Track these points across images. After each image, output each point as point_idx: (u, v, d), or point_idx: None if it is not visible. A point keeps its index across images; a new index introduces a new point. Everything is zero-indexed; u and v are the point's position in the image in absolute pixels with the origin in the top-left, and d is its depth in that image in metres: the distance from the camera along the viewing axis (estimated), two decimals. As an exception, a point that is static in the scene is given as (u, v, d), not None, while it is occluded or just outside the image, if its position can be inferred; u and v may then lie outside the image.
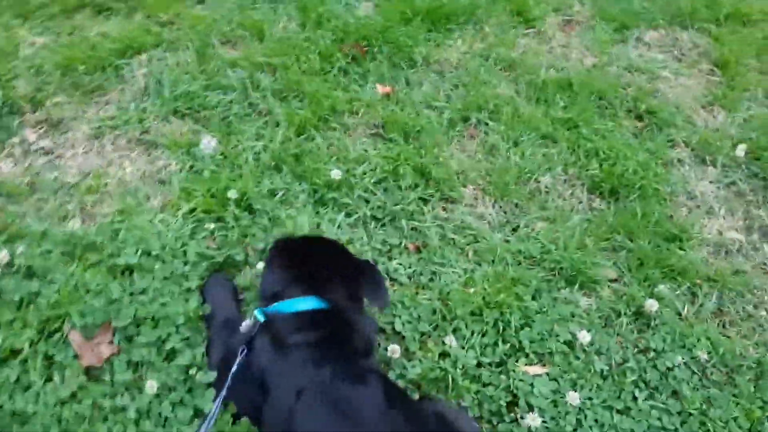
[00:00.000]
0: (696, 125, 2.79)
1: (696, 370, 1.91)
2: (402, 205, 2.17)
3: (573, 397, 1.70)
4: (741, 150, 2.69)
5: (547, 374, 1.79)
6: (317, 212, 2.12)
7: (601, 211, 2.33)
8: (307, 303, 1.54)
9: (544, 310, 1.95)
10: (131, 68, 2.50)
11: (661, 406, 1.80)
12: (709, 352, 1.94)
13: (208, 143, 2.28)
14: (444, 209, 2.24)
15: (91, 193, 2.05)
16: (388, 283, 1.93)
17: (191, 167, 2.18)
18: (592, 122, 2.62)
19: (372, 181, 2.22)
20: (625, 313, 2.00)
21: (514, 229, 2.22)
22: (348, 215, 2.13)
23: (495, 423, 1.72)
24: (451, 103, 2.60)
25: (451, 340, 1.82)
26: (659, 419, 1.77)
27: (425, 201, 2.23)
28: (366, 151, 2.34)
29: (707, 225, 2.39)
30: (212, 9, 2.86)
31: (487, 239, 2.14)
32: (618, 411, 1.77)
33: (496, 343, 1.85)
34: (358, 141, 2.39)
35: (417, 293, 1.97)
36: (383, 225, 2.13)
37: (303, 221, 2.04)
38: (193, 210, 2.01)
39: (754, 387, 1.88)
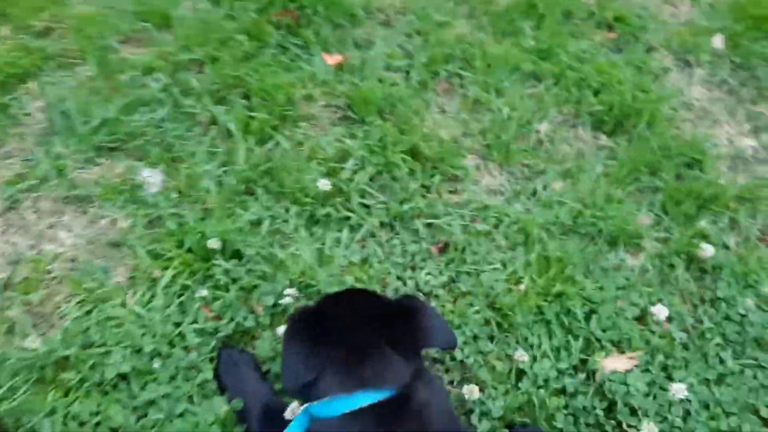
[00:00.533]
0: (667, 23, 2.60)
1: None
2: (407, 202, 1.87)
3: (678, 389, 1.53)
4: (718, 41, 2.54)
5: (636, 366, 1.61)
6: (311, 234, 1.79)
7: (612, 150, 2.12)
8: (361, 399, 1.16)
9: (600, 286, 1.75)
10: (22, 104, 1.98)
11: (751, 362, 1.67)
12: (772, 285, 1.83)
13: (153, 178, 1.86)
14: (452, 192, 1.95)
15: (33, 287, 1.62)
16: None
17: (146, 218, 1.77)
18: (567, 46, 2.37)
19: (365, 180, 1.89)
20: (678, 265, 1.84)
21: (533, 194, 1.98)
22: (352, 229, 1.81)
23: None
24: (414, 59, 2.26)
25: (521, 355, 1.59)
26: (755, 377, 1.65)
27: (428, 188, 1.94)
28: (343, 142, 1.99)
29: (716, 136, 2.24)
30: (95, 1, 2.32)
31: (510, 216, 1.88)
32: (714, 382, 1.63)
33: (568, 343, 1.64)
34: (330, 132, 2.03)
35: (455, 302, 1.71)
36: (395, 231, 1.83)
37: (306, 255, 1.71)
38: (173, 277, 1.63)
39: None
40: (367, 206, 1.85)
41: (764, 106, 2.36)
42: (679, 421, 1.53)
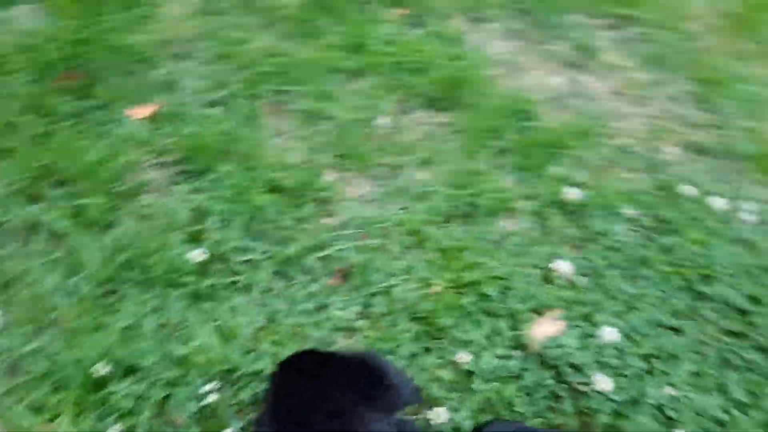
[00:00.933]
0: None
1: (637, 228, 1.94)
2: (290, 242, 1.72)
3: (610, 333, 1.60)
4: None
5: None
6: (203, 314, 1.58)
7: (453, 125, 2.14)
8: None
9: (501, 261, 1.77)
10: None
11: (644, 282, 1.80)
12: (629, 204, 1.98)
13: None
14: (327, 216, 1.84)
15: None
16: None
17: (1, 367, 1.43)
18: (372, 34, 2.32)
19: (236, 235, 1.71)
20: (553, 216, 1.92)
21: (403, 191, 1.92)
22: (244, 292, 1.63)
23: (555, 406, 1.55)
24: (229, 87, 2.07)
25: (461, 357, 1.56)
26: (651, 295, 1.78)
27: (303, 221, 1.80)
28: (193, 201, 1.77)
29: (531, 84, 2.36)
30: None
31: (391, 221, 1.82)
32: (626, 312, 1.73)
33: (496, 327, 1.64)
34: (175, 194, 1.79)
35: (378, 328, 1.63)
36: (289, 278, 1.68)
37: (207, 340, 1.51)
38: (70, 427, 1.34)
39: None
40: (249, 261, 1.68)
41: (556, 44, 2.52)
42: (615, 361, 1.61)
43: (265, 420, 1.14)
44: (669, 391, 1.56)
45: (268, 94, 2.09)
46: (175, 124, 1.94)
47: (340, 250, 1.73)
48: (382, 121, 2.09)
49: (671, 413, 1.52)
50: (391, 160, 1.99)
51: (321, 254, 1.72)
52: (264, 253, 1.70)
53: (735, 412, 1.55)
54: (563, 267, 1.76)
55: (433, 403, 1.50)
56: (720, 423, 1.53)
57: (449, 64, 2.25)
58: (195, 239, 1.69)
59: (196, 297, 1.60)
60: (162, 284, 1.60)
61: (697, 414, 1.53)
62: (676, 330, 1.72)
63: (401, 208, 1.88)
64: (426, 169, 1.98)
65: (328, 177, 1.92)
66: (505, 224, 1.89)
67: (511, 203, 1.93)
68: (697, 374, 1.62)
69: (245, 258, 1.68)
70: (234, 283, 1.63)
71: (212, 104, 2.03)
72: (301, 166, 1.91)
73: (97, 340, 1.46)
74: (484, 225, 1.87)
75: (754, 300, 1.78)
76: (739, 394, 1.58)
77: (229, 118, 1.98)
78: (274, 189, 1.83)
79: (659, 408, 1.53)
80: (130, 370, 1.44)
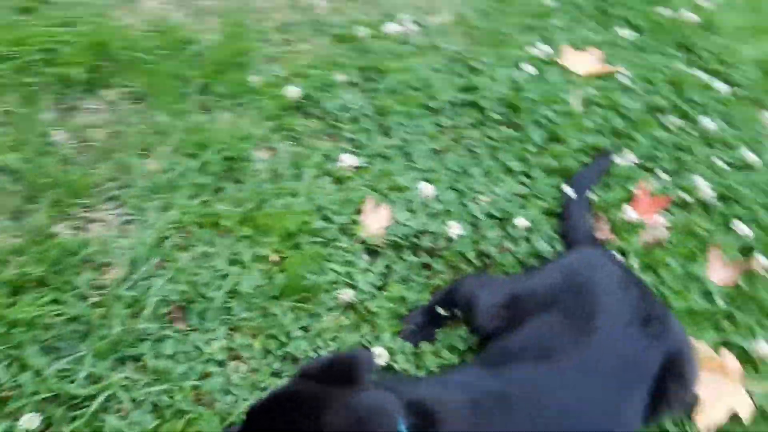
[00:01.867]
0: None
1: (356, 87, 1.96)
2: (104, 331, 1.35)
3: (425, 188, 1.68)
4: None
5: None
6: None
7: (132, 94, 1.79)
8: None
9: (297, 191, 1.66)
10: None
11: (398, 127, 1.87)
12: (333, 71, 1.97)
13: None
14: (110, 269, 1.46)
15: None
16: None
17: None
18: None
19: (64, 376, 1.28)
20: (294, 124, 1.83)
21: (152, 192, 1.60)
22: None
23: (430, 273, 1.58)
24: None
25: (343, 296, 1.48)
26: (414, 130, 1.87)
27: (91, 294, 1.40)
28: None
29: (146, 11, 2.05)
30: None
31: (173, 228, 1.53)
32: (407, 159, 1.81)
33: (343, 254, 1.56)
34: None
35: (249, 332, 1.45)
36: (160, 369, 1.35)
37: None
38: None
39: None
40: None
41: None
42: (439, 207, 1.68)
43: None
44: (486, 199, 1.74)
45: None
46: None
47: (156, 293, 1.43)
48: (60, 136, 1.65)
49: (497, 213, 1.70)
50: (108, 170, 1.62)
51: (144, 311, 1.39)
52: (92, 372, 1.29)
53: (526, 180, 1.81)
54: (343, 159, 1.74)
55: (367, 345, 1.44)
56: (522, 196, 1.77)
57: (71, 32, 1.81)
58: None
59: None
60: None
61: (508, 201, 1.75)
62: (442, 151, 1.87)
63: (164, 209, 1.58)
64: (149, 156, 1.67)
65: (65, 231, 1.50)
66: (263, 157, 1.75)
67: (253, 137, 1.77)
68: (486, 173, 1.82)
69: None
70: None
71: None
72: (27, 238, 1.44)
73: None
74: (248, 168, 1.70)
75: (467, 89, 2.01)
76: (516, 166, 1.84)
77: None
78: (27, 286, 1.37)
79: (491, 216, 1.70)
80: None
